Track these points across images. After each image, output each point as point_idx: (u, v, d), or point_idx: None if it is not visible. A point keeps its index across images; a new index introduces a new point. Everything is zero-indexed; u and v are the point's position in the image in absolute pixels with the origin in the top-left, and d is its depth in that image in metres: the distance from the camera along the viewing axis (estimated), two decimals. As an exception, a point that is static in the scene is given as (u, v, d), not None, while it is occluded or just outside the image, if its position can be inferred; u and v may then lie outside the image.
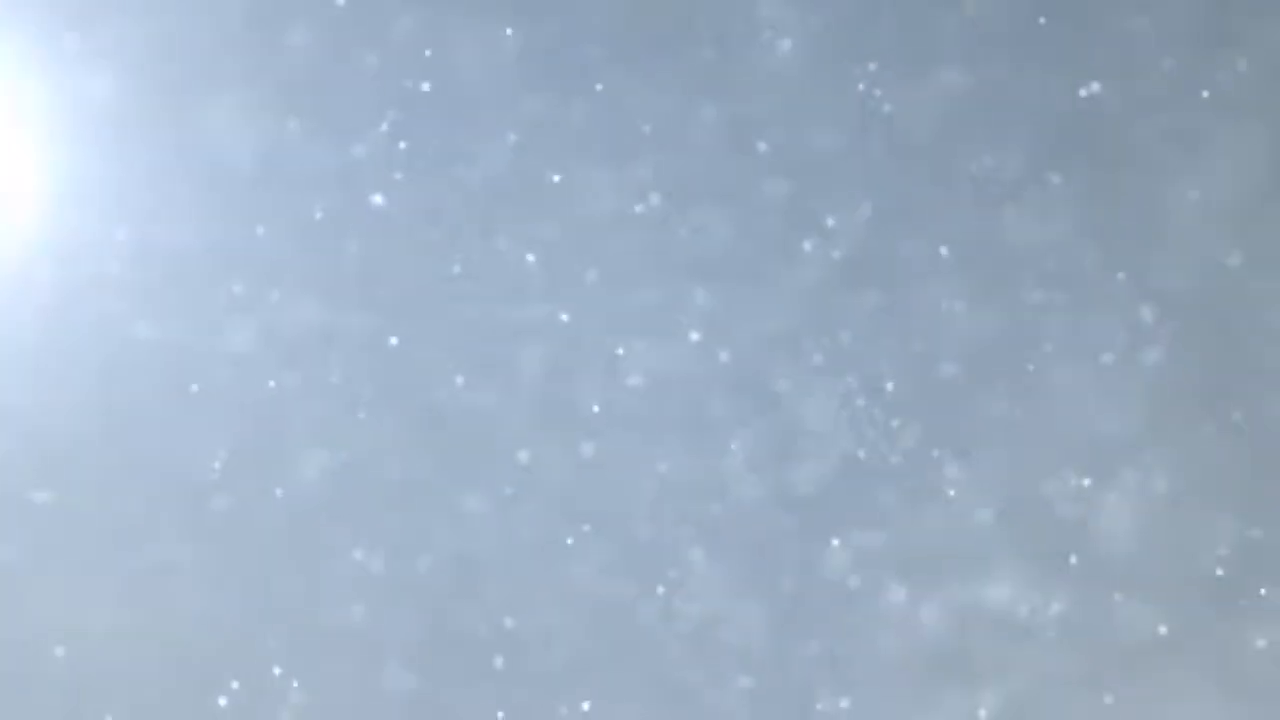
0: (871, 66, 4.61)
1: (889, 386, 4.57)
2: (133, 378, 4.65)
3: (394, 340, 4.63)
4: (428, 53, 4.65)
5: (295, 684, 4.58)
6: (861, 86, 4.65)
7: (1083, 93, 4.58)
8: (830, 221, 4.60)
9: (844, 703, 4.49)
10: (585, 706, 4.56)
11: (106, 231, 4.65)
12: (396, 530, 4.62)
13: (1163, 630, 4.47)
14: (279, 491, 4.63)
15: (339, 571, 4.62)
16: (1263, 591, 4.44)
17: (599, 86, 4.64)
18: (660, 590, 4.57)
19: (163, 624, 4.61)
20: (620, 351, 4.59)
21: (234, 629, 4.62)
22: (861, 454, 4.59)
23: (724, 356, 4.58)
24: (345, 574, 4.61)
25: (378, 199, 4.62)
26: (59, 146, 4.67)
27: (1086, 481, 4.48)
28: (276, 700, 4.59)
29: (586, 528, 4.58)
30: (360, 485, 4.62)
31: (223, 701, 4.58)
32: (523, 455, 4.61)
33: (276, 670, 4.57)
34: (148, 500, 4.65)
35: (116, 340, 4.64)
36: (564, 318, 4.60)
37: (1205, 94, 4.54)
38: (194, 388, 4.63)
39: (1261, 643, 4.42)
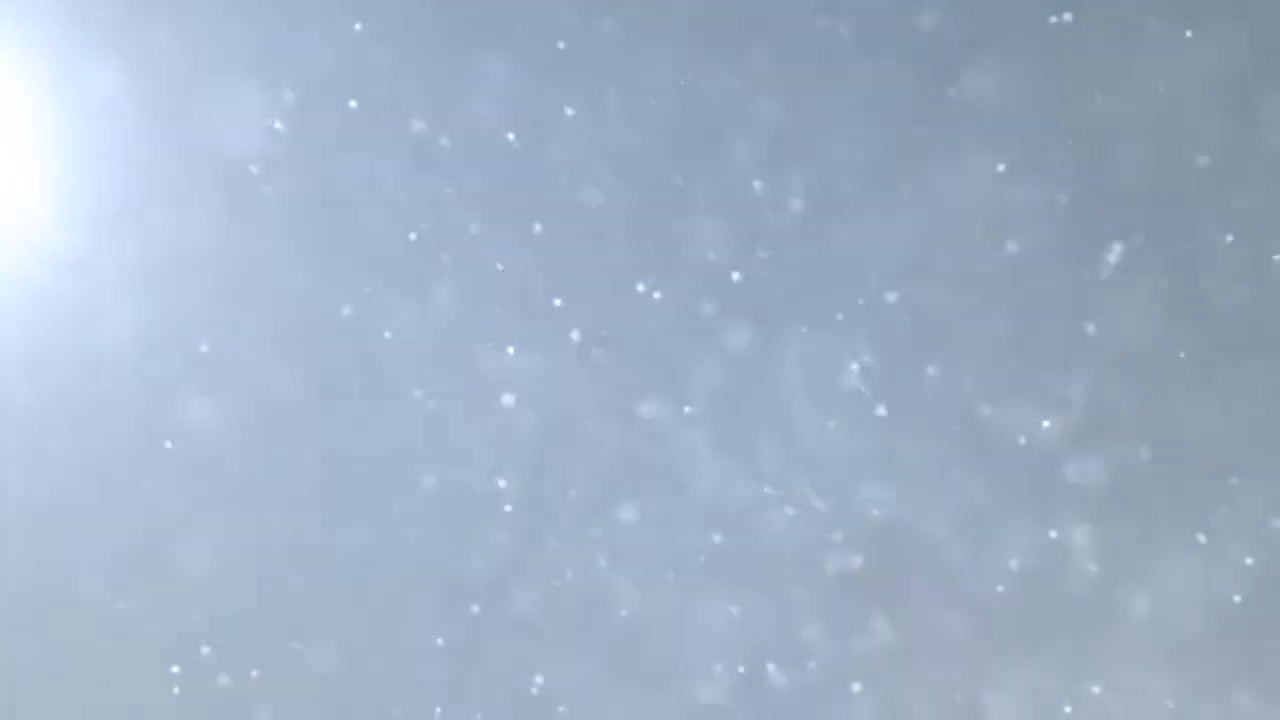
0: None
1: (839, 317, 4.28)
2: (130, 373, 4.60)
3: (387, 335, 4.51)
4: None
5: (228, 664, 4.52)
6: (824, 21, 4.39)
7: (1053, 20, 4.24)
8: (791, 161, 4.35)
9: (811, 664, 4.24)
10: (539, 680, 4.39)
11: (108, 228, 4.59)
12: (336, 509, 4.50)
13: (1141, 601, 4.13)
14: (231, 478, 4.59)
15: (274, 549, 4.52)
16: (1249, 561, 4.03)
17: (561, 44, 4.46)
18: (602, 562, 4.36)
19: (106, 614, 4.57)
20: (558, 303, 4.39)
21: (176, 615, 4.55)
22: (833, 420, 4.31)
23: (662, 299, 4.34)
24: (280, 550, 4.52)
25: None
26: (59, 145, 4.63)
27: (1047, 424, 4.15)
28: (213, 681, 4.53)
29: (525, 492, 4.38)
30: (301, 461, 4.51)
31: (176, 690, 4.53)
32: (468, 416, 4.44)
33: (205, 649, 4.52)
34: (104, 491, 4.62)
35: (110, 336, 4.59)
36: (499, 267, 4.42)
37: (1189, 33, 4.18)
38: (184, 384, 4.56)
39: (1237, 598, 4.07)
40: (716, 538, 4.29)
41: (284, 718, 4.56)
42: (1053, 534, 4.19)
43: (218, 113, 4.53)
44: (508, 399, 4.36)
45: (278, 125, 4.49)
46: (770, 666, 4.22)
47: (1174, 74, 4.16)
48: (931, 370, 4.25)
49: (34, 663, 4.63)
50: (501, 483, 4.38)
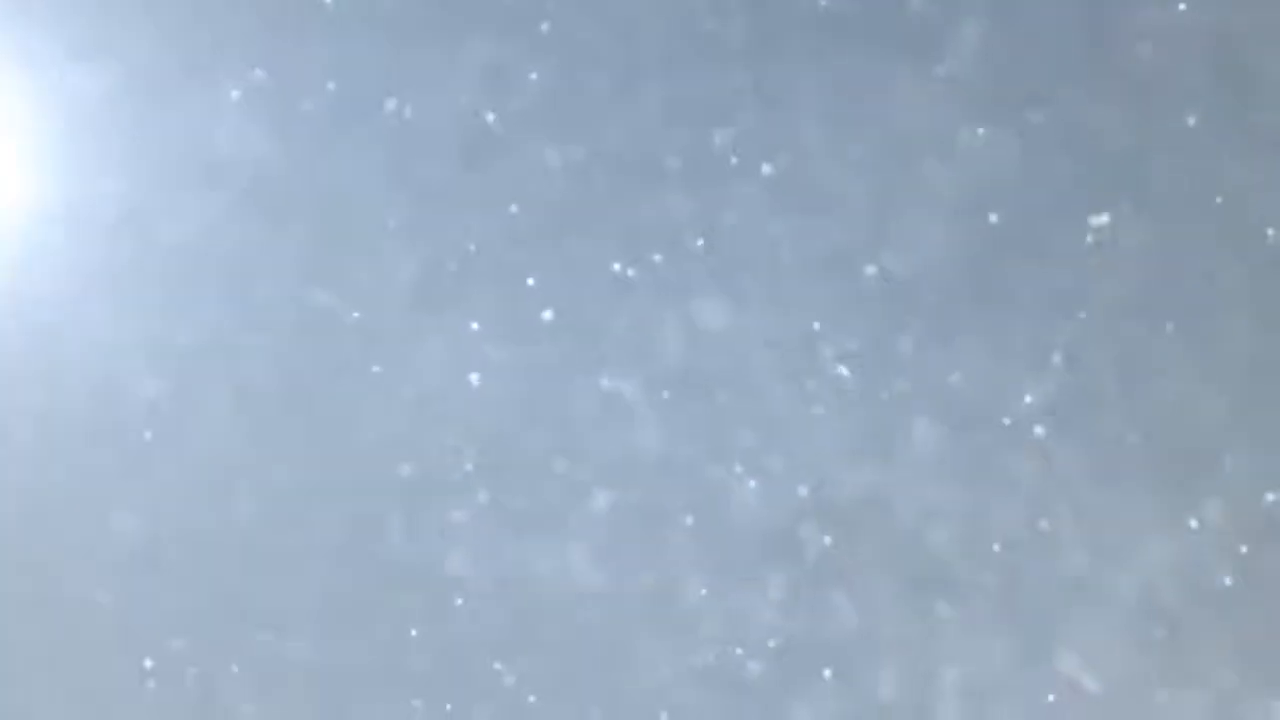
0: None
1: (816, 292, 4.20)
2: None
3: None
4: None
5: (202, 659, 4.50)
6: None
7: (1042, -10, 4.16)
8: (770, 136, 4.27)
9: (783, 650, 4.19)
10: (510, 670, 4.29)
11: (107, 228, 4.58)
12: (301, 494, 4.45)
13: (1129, 587, 3.99)
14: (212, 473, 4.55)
15: (250, 541, 4.49)
16: (1243, 549, 3.87)
17: (544, 26, 4.40)
18: (574, 548, 4.27)
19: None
20: (531, 282, 4.32)
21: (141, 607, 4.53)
22: (810, 397, 4.20)
23: (634, 276, 4.26)
24: (256, 543, 4.49)
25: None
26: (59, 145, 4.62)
27: (1029, 399, 4.02)
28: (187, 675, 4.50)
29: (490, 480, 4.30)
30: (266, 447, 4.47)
31: (151, 684, 4.49)
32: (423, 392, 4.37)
33: (178, 643, 4.48)
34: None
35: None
36: (471, 248, 4.34)
37: (1182, 7, 4.06)
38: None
39: (1228, 581, 3.97)
40: (689, 520, 4.18)
41: (262, 712, 4.49)
42: (1038, 517, 4.05)
43: (215, 111, 4.51)
44: (475, 378, 4.28)
45: (269, 119, 4.46)
46: (740, 651, 4.11)
47: (1162, 39, 4.04)
48: (910, 345, 4.14)
49: (25, 657, 4.59)
50: (469, 467, 4.30)
